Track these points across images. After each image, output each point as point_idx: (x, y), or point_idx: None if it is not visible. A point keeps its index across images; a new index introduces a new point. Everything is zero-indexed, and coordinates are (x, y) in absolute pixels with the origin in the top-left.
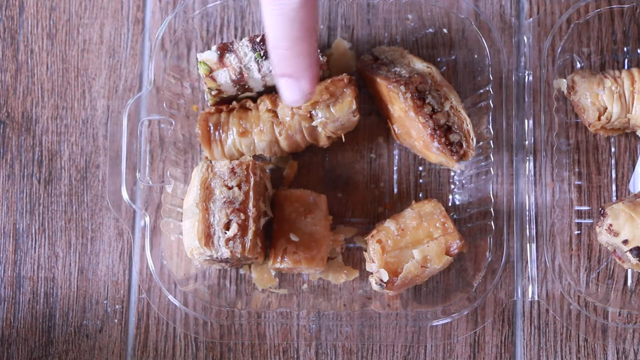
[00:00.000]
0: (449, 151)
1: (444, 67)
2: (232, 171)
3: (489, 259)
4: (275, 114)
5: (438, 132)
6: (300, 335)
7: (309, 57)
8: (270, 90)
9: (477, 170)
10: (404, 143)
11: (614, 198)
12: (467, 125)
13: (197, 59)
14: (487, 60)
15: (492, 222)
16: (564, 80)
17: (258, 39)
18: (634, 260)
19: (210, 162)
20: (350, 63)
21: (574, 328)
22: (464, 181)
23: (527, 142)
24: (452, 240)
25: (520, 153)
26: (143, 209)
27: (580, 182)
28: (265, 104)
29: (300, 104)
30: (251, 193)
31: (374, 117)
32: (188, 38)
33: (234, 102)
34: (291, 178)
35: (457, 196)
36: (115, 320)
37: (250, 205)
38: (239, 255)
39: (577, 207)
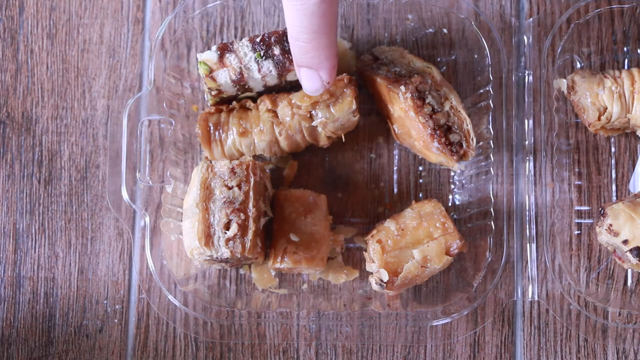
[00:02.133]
0: (449, 151)
1: (444, 67)
2: (232, 171)
3: (489, 259)
4: (275, 114)
5: (438, 132)
6: (300, 335)
7: (328, 49)
8: (270, 90)
9: (477, 170)
10: (404, 143)
11: (614, 198)
12: (467, 125)
13: (197, 59)
14: (487, 60)
15: (492, 222)
16: (564, 80)
17: (258, 39)
18: (634, 260)
19: (210, 162)
20: (350, 63)
21: (574, 328)
22: (464, 181)
23: (527, 142)
24: (452, 240)
25: (520, 153)
26: (143, 209)
27: (580, 182)
28: (265, 104)
29: (320, 92)
30: (251, 193)
31: (374, 117)
32: (188, 38)
33: (234, 102)
34: (291, 178)
35: (457, 196)
36: (115, 320)
37: (250, 205)
38: (239, 255)
39: (577, 207)
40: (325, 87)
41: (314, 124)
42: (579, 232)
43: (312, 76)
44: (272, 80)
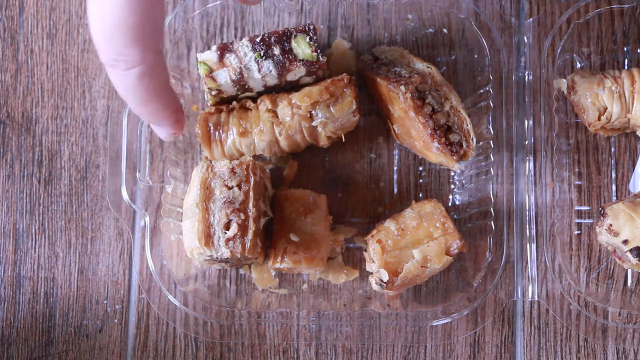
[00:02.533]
0: (449, 151)
1: (444, 67)
2: (232, 171)
3: (489, 259)
4: (275, 114)
5: (438, 132)
6: (300, 335)
7: (163, 110)
8: (270, 90)
9: (477, 170)
10: (404, 143)
11: (614, 198)
12: (467, 125)
13: (197, 59)
14: (487, 60)
15: (492, 222)
16: (564, 80)
17: (258, 39)
18: (634, 260)
19: (210, 162)
20: (350, 63)
21: (574, 328)
22: (464, 181)
23: (527, 142)
24: (452, 240)
25: (520, 153)
26: (143, 209)
27: (580, 182)
28: (265, 104)
29: (171, 139)
30: (251, 193)
31: (374, 117)
32: (188, 38)
33: (234, 102)
34: (291, 178)
35: (457, 196)
36: (115, 320)
37: (250, 205)
38: (239, 255)
39: (577, 207)
40: (176, 136)
41: (314, 124)
42: (579, 232)
43: (160, 130)
44: (272, 80)
